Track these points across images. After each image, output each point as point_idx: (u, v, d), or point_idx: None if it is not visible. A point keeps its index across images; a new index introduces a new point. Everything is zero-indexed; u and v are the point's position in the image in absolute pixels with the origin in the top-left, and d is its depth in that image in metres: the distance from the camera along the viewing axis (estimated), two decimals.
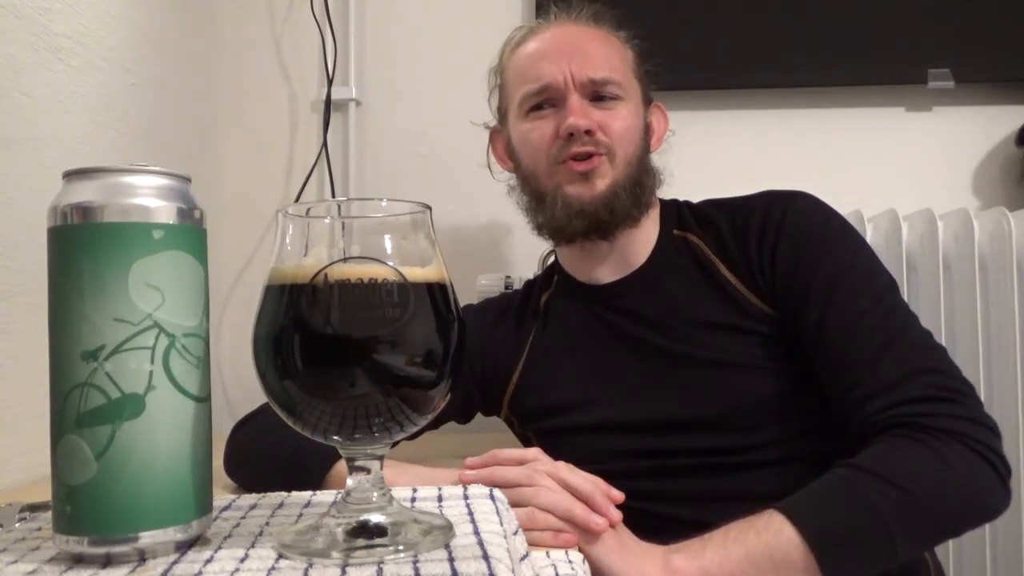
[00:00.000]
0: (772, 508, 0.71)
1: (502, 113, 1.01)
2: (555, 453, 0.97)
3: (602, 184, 0.91)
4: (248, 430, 0.88)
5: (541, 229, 0.97)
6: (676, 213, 0.99)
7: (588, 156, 0.91)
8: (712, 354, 0.87)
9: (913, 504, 0.70)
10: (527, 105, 0.95)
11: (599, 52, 0.94)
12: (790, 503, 0.71)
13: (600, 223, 0.92)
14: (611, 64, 0.94)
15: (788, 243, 0.87)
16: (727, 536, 0.70)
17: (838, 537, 0.69)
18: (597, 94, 0.92)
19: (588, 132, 0.90)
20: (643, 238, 0.96)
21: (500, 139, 1.03)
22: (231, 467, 0.87)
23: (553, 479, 0.70)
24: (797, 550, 0.68)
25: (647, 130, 0.98)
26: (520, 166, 0.98)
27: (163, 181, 0.46)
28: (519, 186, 0.99)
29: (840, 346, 0.81)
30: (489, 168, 1.04)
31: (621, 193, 0.91)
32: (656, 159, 1.00)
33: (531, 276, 1.14)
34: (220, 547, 0.47)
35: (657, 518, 0.89)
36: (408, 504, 0.55)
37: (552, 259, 1.10)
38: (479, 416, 1.05)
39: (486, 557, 0.43)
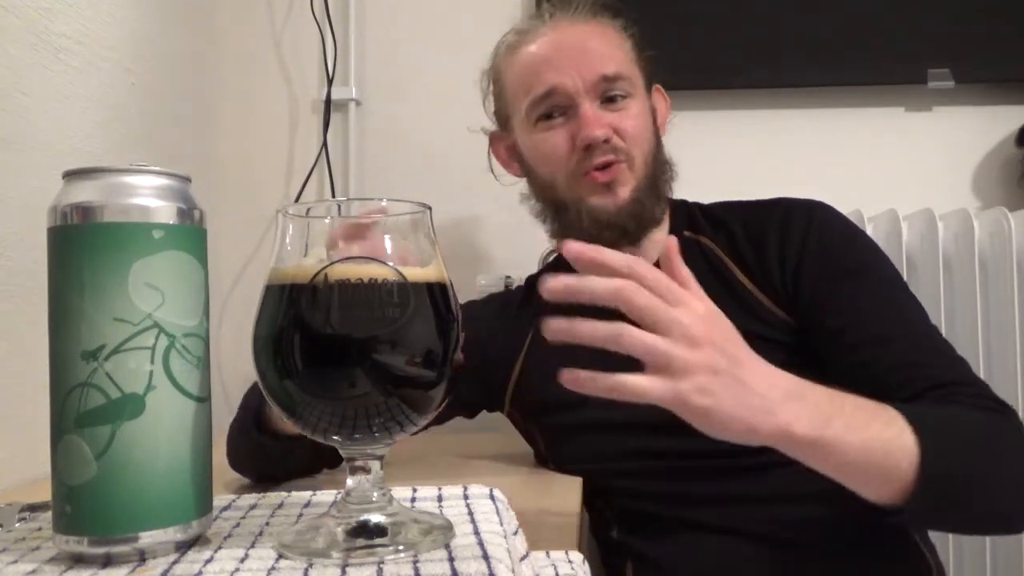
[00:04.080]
0: (897, 408, 0.65)
1: (502, 118, 1.00)
2: (562, 450, 0.97)
3: (625, 192, 0.91)
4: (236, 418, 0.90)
5: (560, 237, 0.97)
6: (686, 214, 0.98)
7: (608, 165, 0.90)
8: None
9: (1010, 486, 0.69)
10: (535, 114, 0.93)
11: (603, 49, 0.92)
12: (919, 416, 0.65)
13: (628, 233, 0.92)
14: (616, 59, 0.92)
15: (816, 254, 0.87)
16: (854, 415, 0.63)
17: (948, 479, 0.65)
18: (607, 94, 0.91)
19: (606, 140, 0.89)
20: (657, 237, 0.96)
21: (502, 144, 1.01)
22: (231, 458, 0.89)
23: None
24: (908, 461, 0.63)
25: (654, 118, 0.97)
26: (535, 176, 0.97)
27: (163, 181, 0.47)
28: (534, 194, 0.98)
29: (884, 348, 0.79)
30: (492, 172, 1.04)
31: (644, 199, 0.91)
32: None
33: (531, 274, 1.13)
34: (220, 547, 0.47)
35: (658, 520, 0.89)
36: (408, 504, 0.55)
37: (553, 257, 1.09)
38: (480, 416, 1.05)
39: (486, 557, 0.43)
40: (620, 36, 0.97)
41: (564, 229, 0.95)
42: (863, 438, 0.62)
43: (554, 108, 0.92)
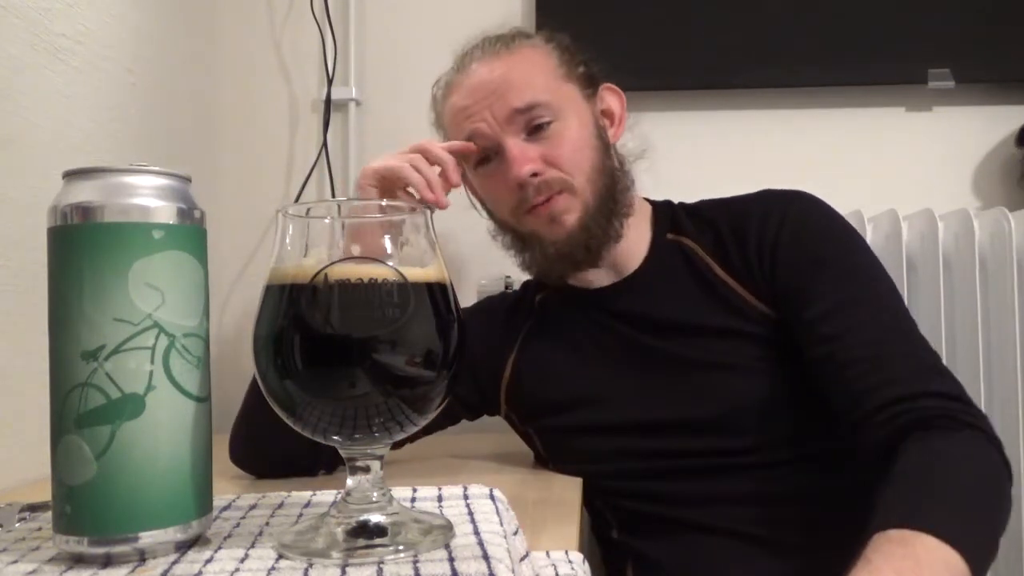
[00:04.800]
0: (939, 538, 0.62)
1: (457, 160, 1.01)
2: (559, 452, 0.98)
3: (571, 219, 0.90)
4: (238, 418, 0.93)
5: (530, 270, 0.98)
6: (670, 216, 0.98)
7: (547, 199, 0.89)
8: (708, 356, 0.87)
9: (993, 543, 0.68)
10: (471, 160, 0.94)
11: (515, 80, 0.90)
12: (960, 534, 0.63)
13: (579, 261, 0.92)
14: (532, 85, 0.90)
15: (790, 243, 0.87)
16: None
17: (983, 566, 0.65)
18: (529, 124, 0.90)
19: (536, 174, 0.88)
20: (633, 243, 0.95)
21: (468, 182, 1.01)
22: (236, 452, 0.92)
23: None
24: None
25: (600, 125, 0.95)
26: (491, 213, 0.99)
27: (163, 181, 0.47)
28: (498, 229, 0.99)
29: (850, 342, 0.79)
30: (475, 207, 1.04)
31: (592, 224, 0.90)
32: (627, 138, 0.98)
33: (530, 277, 1.14)
34: (220, 547, 0.47)
35: (658, 520, 0.89)
36: (408, 504, 0.55)
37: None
38: (479, 417, 1.05)
39: (486, 557, 0.43)
40: (540, 55, 0.94)
41: (530, 261, 0.96)
42: None
43: (484, 150, 0.92)
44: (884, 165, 1.40)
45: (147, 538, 0.44)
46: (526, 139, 0.90)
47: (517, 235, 0.95)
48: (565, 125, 0.91)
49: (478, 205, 1.02)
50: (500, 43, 0.94)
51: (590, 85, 0.96)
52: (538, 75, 0.92)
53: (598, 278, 0.96)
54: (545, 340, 0.99)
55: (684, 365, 0.88)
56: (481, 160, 0.93)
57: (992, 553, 0.67)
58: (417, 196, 0.87)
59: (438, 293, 0.47)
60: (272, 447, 0.85)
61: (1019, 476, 1.08)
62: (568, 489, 0.88)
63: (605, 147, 0.94)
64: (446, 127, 0.97)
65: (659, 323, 0.91)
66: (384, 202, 0.49)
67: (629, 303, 0.94)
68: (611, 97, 0.99)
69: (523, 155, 0.88)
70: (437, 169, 0.89)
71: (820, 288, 0.83)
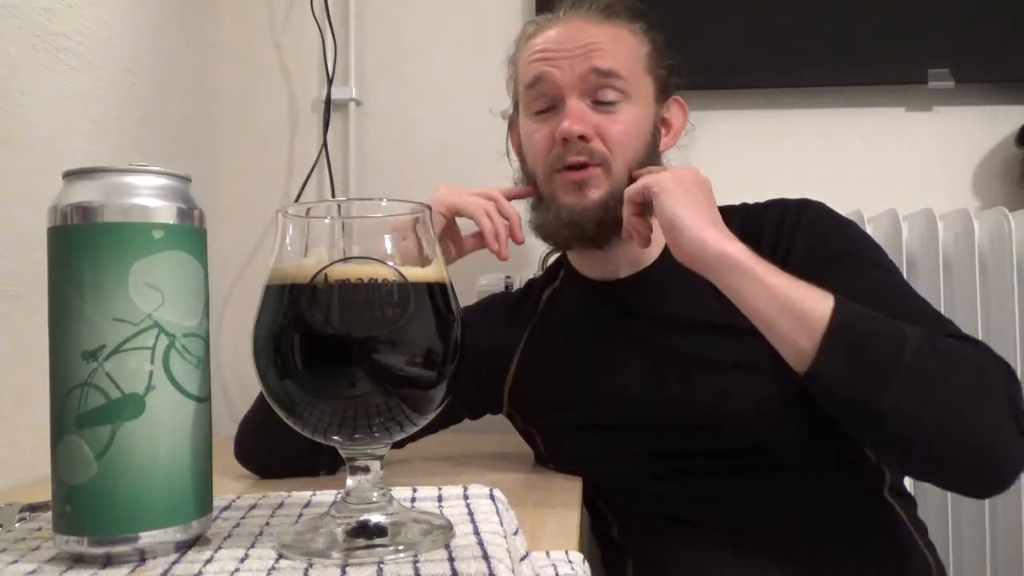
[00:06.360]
0: (831, 298, 0.73)
1: (515, 105, 1.01)
2: (560, 450, 0.98)
3: (595, 194, 0.90)
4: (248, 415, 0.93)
5: (537, 229, 0.97)
6: None
7: (582, 166, 0.90)
8: (721, 355, 0.87)
9: (936, 374, 0.70)
10: (532, 107, 0.94)
11: (604, 45, 0.91)
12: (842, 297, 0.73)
13: (586, 235, 0.91)
14: (616, 57, 0.91)
15: (804, 243, 0.87)
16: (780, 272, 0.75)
17: (853, 337, 0.71)
18: (600, 96, 0.90)
19: (583, 137, 0.88)
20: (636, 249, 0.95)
21: (514, 131, 1.02)
22: (241, 449, 0.92)
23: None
24: (820, 317, 0.71)
25: (658, 129, 0.96)
26: (524, 165, 0.98)
27: (163, 181, 0.47)
28: (523, 180, 0.99)
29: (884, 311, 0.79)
30: (508, 156, 1.03)
31: (614, 206, 0.90)
32: (674, 154, 0.99)
33: (531, 276, 1.14)
34: (220, 547, 0.47)
35: (667, 520, 0.89)
36: (408, 504, 0.55)
37: (554, 257, 1.09)
38: (481, 416, 1.05)
39: (486, 557, 0.43)
40: (634, 38, 0.95)
41: (539, 222, 0.95)
42: (784, 282, 0.74)
43: (546, 100, 0.92)
44: (884, 165, 1.40)
45: (147, 538, 0.44)
46: (590, 106, 0.91)
47: (538, 193, 0.95)
48: (629, 109, 0.92)
49: (512, 155, 1.03)
50: (604, 11, 0.95)
51: (664, 90, 0.97)
52: (627, 53, 0.93)
53: (611, 272, 0.96)
54: (551, 338, 0.98)
55: (695, 363, 0.87)
56: (539, 110, 0.93)
57: (900, 379, 0.69)
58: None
59: (438, 293, 0.47)
60: (275, 446, 0.85)
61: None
62: (568, 489, 0.88)
63: (654, 147, 0.95)
64: (520, 65, 0.97)
65: (671, 319, 0.91)
66: (384, 201, 0.49)
67: (641, 298, 0.94)
68: (677, 109, 1.00)
69: (580, 115, 0.89)
70: (506, 222, 0.96)
71: (837, 280, 0.82)
